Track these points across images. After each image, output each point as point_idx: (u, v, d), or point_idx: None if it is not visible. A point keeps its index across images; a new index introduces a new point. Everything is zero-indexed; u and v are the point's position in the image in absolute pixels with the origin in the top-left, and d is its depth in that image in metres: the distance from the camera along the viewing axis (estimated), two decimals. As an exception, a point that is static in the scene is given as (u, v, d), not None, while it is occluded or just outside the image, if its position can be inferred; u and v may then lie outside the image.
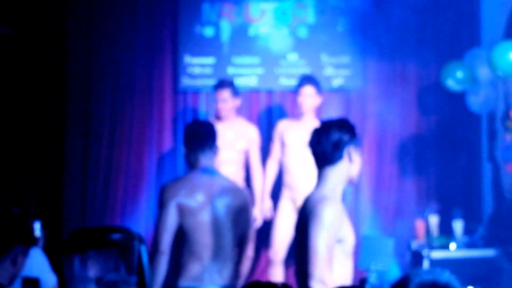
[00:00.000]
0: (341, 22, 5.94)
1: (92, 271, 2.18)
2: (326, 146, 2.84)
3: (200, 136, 3.73)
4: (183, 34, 5.91)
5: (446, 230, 5.56)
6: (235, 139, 5.48)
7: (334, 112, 5.74)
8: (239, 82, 5.83)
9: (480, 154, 5.96)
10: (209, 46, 5.93)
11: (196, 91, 5.96)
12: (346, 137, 2.85)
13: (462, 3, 5.94)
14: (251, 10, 5.94)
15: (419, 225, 5.58)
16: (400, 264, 5.61)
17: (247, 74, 5.94)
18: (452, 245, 5.31)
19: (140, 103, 5.89)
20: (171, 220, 3.60)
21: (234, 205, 3.68)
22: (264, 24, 5.94)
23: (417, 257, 5.36)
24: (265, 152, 5.66)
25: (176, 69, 5.94)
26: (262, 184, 5.59)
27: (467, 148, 5.97)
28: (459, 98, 5.68)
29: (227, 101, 5.48)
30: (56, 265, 3.31)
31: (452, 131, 5.93)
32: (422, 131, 5.98)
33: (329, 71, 5.95)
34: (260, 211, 5.54)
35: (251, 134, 5.58)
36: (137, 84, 5.89)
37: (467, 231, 5.52)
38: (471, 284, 4.83)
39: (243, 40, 5.93)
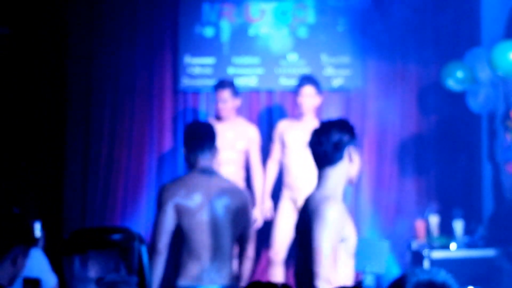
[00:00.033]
0: (341, 22, 5.94)
1: (93, 272, 2.18)
2: (327, 146, 2.85)
3: (200, 137, 3.74)
4: (183, 34, 5.90)
5: (446, 230, 5.56)
6: (235, 139, 5.48)
7: (334, 112, 5.73)
8: (239, 82, 5.82)
9: (480, 154, 5.96)
10: (209, 46, 5.92)
11: (196, 91, 5.95)
12: (346, 138, 2.87)
13: (462, 3, 5.93)
14: (251, 10, 5.94)
15: (420, 225, 5.58)
16: (400, 264, 5.61)
17: (247, 74, 5.94)
18: (453, 245, 5.31)
19: (140, 103, 5.89)
20: (168, 221, 3.61)
21: (233, 205, 3.68)
22: (264, 24, 5.94)
23: (417, 257, 5.36)
24: (265, 152, 5.66)
25: (176, 69, 5.93)
26: (262, 185, 5.59)
27: (467, 148, 5.96)
28: (459, 98, 5.67)
29: (227, 101, 5.47)
30: (56, 265, 3.31)
31: (452, 131, 5.93)
32: (422, 131, 5.97)
33: (329, 71, 5.94)
34: (260, 212, 5.54)
35: (251, 134, 5.57)
36: (137, 84, 5.89)
37: (467, 231, 5.52)
38: (471, 284, 4.84)
39: (243, 40, 5.93)
